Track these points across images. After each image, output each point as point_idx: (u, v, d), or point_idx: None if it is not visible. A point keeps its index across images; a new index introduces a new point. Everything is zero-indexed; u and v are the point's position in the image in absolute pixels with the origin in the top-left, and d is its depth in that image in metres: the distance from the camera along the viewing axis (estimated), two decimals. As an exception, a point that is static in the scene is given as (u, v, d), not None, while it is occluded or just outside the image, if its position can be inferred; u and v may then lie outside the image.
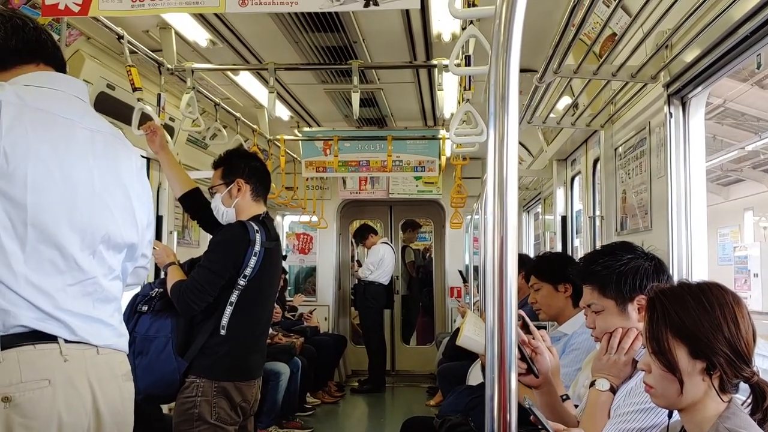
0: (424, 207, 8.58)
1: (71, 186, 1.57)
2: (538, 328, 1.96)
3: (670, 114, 2.73)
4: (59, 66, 1.74)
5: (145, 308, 2.65)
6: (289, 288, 8.29)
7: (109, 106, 3.68)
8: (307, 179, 7.06)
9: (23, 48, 1.66)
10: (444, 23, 3.65)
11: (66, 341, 1.54)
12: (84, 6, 2.19)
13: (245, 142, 4.48)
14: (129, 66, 2.95)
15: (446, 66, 3.11)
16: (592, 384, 1.91)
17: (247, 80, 4.65)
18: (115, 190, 1.71)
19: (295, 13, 3.49)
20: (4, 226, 1.46)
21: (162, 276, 2.77)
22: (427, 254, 9.13)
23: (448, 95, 4.50)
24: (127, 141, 1.86)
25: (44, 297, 1.51)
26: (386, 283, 7.67)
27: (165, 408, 3.72)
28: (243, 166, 2.83)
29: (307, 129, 6.17)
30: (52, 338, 1.52)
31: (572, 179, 5.10)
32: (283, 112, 5.65)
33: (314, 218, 7.42)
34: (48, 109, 1.58)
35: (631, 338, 1.89)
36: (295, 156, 6.27)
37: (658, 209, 2.89)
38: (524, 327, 1.92)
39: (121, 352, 1.73)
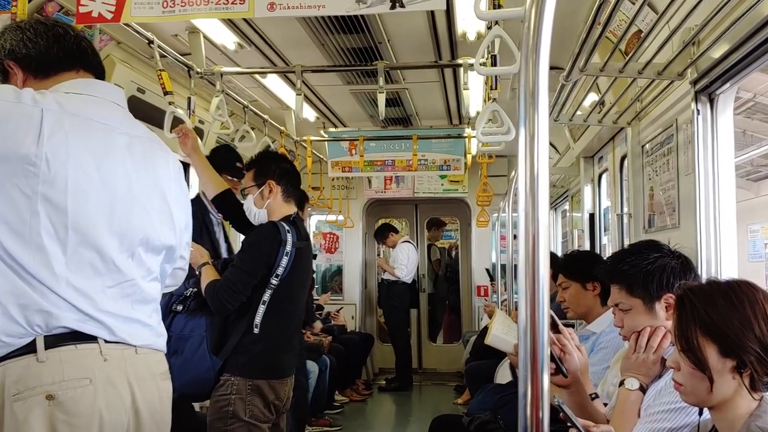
0: (449, 205, 8.58)
1: (110, 190, 1.61)
2: (566, 326, 1.97)
3: (698, 111, 2.71)
4: (98, 72, 1.78)
5: (180, 308, 2.71)
6: (316, 287, 8.35)
7: (140, 110, 3.74)
8: (333, 179, 7.11)
9: (64, 56, 1.70)
10: (469, 23, 3.66)
11: (106, 341, 1.58)
12: (116, 13, 2.24)
13: (273, 143, 4.53)
14: (160, 70, 3.00)
15: (472, 65, 3.12)
16: (621, 383, 1.91)
17: (274, 82, 4.70)
18: (153, 194, 1.75)
19: (322, 16, 3.52)
20: (46, 229, 1.51)
21: (196, 276, 2.82)
22: (453, 252, 9.12)
23: (474, 94, 4.50)
24: (165, 145, 1.90)
25: (85, 299, 1.55)
26: (410, 282, 7.68)
27: (197, 406, 3.79)
28: (274, 168, 2.88)
29: (332, 130, 6.21)
30: (92, 339, 1.56)
31: (599, 176, 5.07)
32: (309, 114, 5.69)
33: (340, 218, 7.46)
34: (87, 115, 1.62)
35: (660, 337, 1.89)
36: (321, 156, 6.32)
37: (685, 206, 2.87)
38: (553, 326, 1.92)
39: (159, 351, 1.77)
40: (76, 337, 1.54)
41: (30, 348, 1.50)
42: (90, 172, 1.57)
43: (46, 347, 1.50)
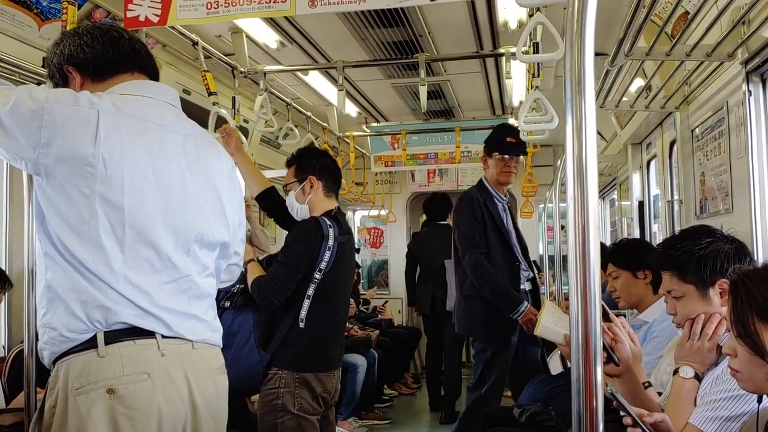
0: (494, 197, 8.48)
1: (165, 188, 1.65)
2: (617, 316, 1.94)
3: (749, 92, 2.64)
4: (152, 74, 1.82)
5: (227, 304, 2.78)
6: (362, 281, 8.38)
7: (186, 111, 3.80)
8: (376, 174, 7.12)
9: (120, 59, 1.75)
10: (510, 11, 3.63)
11: (163, 336, 1.61)
12: (162, 16, 2.28)
13: (316, 139, 4.57)
14: (204, 71, 3.05)
15: (514, 54, 3.09)
16: (676, 371, 1.88)
17: (316, 79, 4.74)
18: (207, 191, 1.78)
19: (362, 11, 3.53)
20: (105, 228, 1.55)
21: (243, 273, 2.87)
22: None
23: (517, 83, 4.46)
24: (218, 143, 1.94)
25: (142, 295, 1.59)
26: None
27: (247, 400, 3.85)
28: (314, 164, 2.91)
29: (375, 124, 6.23)
30: (150, 334, 1.59)
31: (648, 163, 4.98)
32: (351, 109, 5.72)
33: (383, 212, 7.47)
34: (142, 115, 1.66)
35: (715, 323, 1.84)
36: (364, 151, 6.34)
37: (739, 190, 2.80)
38: (603, 315, 1.90)
39: (215, 346, 1.80)
40: (134, 332, 1.58)
41: (91, 343, 1.55)
42: (145, 171, 1.61)
43: (106, 343, 1.55)
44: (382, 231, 8.49)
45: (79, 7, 2.81)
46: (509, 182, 3.83)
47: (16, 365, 2.67)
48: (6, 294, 2.79)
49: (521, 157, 3.83)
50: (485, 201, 3.70)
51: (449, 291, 5.42)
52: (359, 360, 5.44)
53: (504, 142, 3.69)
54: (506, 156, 3.70)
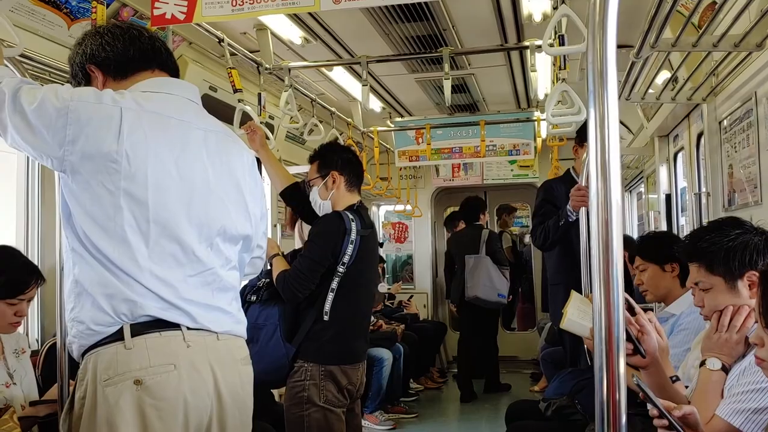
0: (520, 191, 8.46)
1: (188, 183, 1.68)
2: (645, 310, 1.93)
3: (780, 82, 2.60)
4: (173, 71, 1.85)
5: (253, 298, 2.82)
6: (387, 276, 8.40)
7: (212, 108, 3.82)
8: (400, 169, 7.12)
9: (140, 57, 1.78)
10: (534, 3, 3.60)
11: (188, 328, 1.64)
12: (188, 13, 2.32)
13: (340, 135, 4.59)
14: (230, 68, 3.08)
15: (539, 47, 3.07)
16: (703, 363, 1.87)
17: (340, 75, 4.76)
18: (229, 185, 1.80)
19: (385, 5, 3.54)
20: (129, 223, 1.58)
21: (267, 267, 2.90)
22: (526, 239, 9.00)
23: (542, 76, 4.43)
24: (239, 138, 1.97)
25: (167, 288, 1.62)
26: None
27: (275, 393, 3.90)
28: (336, 159, 2.93)
29: (399, 119, 6.23)
30: (175, 326, 1.62)
31: (675, 155, 4.91)
32: (375, 104, 5.72)
33: (408, 207, 7.48)
34: (164, 112, 1.68)
35: (743, 316, 1.83)
36: (388, 146, 6.35)
37: (768, 183, 2.76)
38: (629, 308, 1.89)
39: (240, 337, 1.83)
40: (160, 324, 1.61)
41: (118, 336, 1.58)
42: (168, 166, 1.64)
43: (133, 335, 1.58)
44: (406, 226, 8.50)
45: (107, 6, 2.86)
46: None
47: (49, 358, 2.73)
48: (39, 289, 2.85)
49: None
50: (566, 191, 3.63)
51: (471, 282, 6.15)
52: (385, 354, 5.47)
53: None
54: None
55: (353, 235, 2.76)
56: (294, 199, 3.15)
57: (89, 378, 1.58)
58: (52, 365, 2.24)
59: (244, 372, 1.81)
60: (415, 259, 8.44)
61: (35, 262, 3.07)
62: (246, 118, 3.15)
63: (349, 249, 2.75)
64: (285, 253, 2.96)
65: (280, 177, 3.15)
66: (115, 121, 1.58)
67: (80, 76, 1.80)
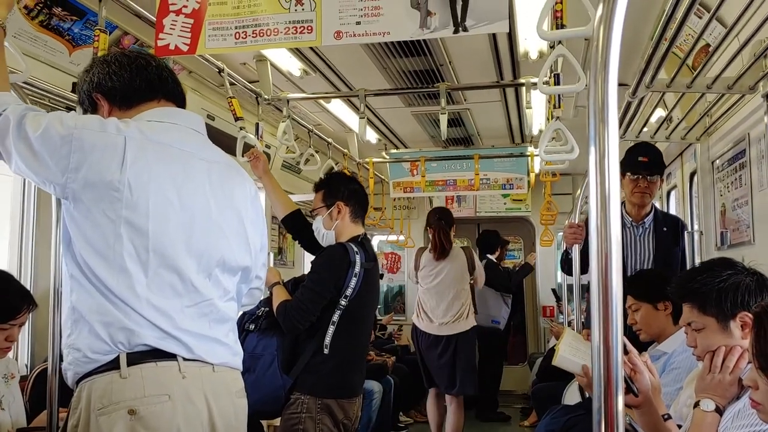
0: (512, 225, 8.48)
1: (189, 214, 1.68)
2: (639, 352, 1.93)
3: (772, 125, 2.64)
4: (179, 101, 1.86)
5: (252, 327, 2.78)
6: (379, 306, 8.36)
7: (211, 137, 3.87)
8: (394, 199, 7.14)
9: (146, 87, 1.79)
10: (531, 42, 3.66)
11: (184, 359, 1.63)
12: (192, 45, 2.33)
13: (336, 165, 4.61)
14: (230, 97, 3.11)
15: (534, 84, 3.11)
16: (696, 404, 1.86)
17: (338, 107, 4.80)
18: (230, 216, 1.80)
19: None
20: (129, 252, 1.58)
21: (268, 296, 2.88)
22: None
23: (536, 112, 4.48)
24: (242, 170, 1.97)
25: (164, 318, 1.61)
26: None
27: (264, 424, 3.85)
28: (343, 189, 2.92)
29: (394, 151, 6.28)
30: (171, 356, 1.61)
31: (668, 193, 4.96)
32: (371, 136, 5.77)
33: (401, 237, 7.47)
34: (167, 142, 1.70)
35: (736, 356, 1.83)
36: (382, 177, 6.38)
37: (760, 222, 2.79)
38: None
39: (236, 369, 1.81)
40: (156, 354, 1.60)
41: (114, 364, 1.57)
42: (170, 196, 1.64)
43: (129, 364, 1.57)
44: (399, 256, 8.49)
45: (109, 34, 2.89)
46: (642, 203, 3.47)
47: (38, 384, 2.70)
48: (30, 314, 2.83)
49: (656, 177, 3.40)
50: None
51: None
52: (375, 386, 5.42)
53: (635, 161, 3.39)
54: (638, 176, 3.38)
55: (357, 268, 2.73)
56: (295, 226, 3.14)
57: (83, 406, 1.57)
58: (41, 391, 2.22)
59: (238, 404, 1.79)
60: (407, 289, 8.41)
61: (29, 286, 3.06)
62: (248, 145, 3.16)
63: (353, 282, 2.72)
64: (285, 281, 2.93)
65: (282, 203, 3.14)
66: (119, 149, 1.59)
67: (87, 104, 1.82)
